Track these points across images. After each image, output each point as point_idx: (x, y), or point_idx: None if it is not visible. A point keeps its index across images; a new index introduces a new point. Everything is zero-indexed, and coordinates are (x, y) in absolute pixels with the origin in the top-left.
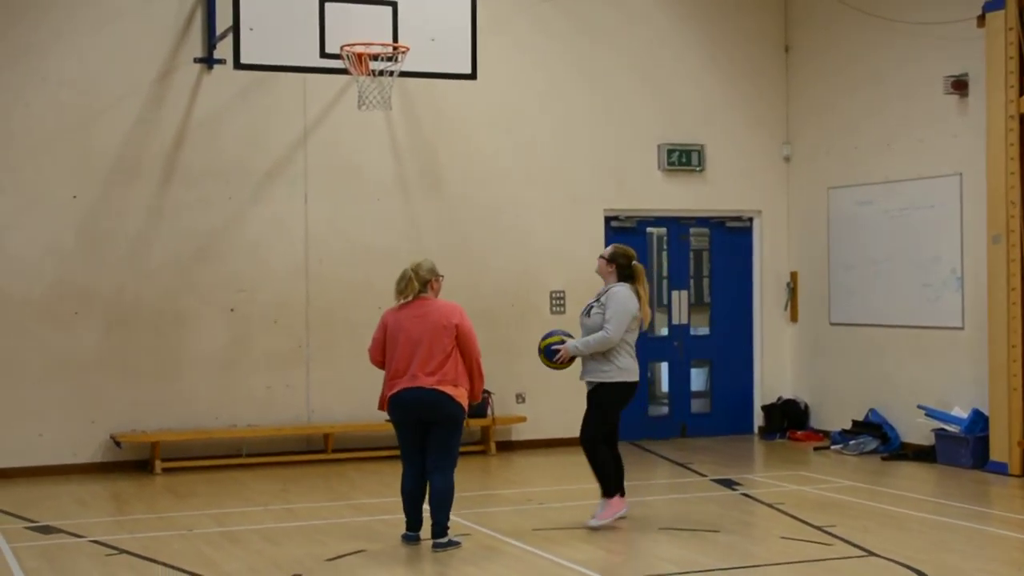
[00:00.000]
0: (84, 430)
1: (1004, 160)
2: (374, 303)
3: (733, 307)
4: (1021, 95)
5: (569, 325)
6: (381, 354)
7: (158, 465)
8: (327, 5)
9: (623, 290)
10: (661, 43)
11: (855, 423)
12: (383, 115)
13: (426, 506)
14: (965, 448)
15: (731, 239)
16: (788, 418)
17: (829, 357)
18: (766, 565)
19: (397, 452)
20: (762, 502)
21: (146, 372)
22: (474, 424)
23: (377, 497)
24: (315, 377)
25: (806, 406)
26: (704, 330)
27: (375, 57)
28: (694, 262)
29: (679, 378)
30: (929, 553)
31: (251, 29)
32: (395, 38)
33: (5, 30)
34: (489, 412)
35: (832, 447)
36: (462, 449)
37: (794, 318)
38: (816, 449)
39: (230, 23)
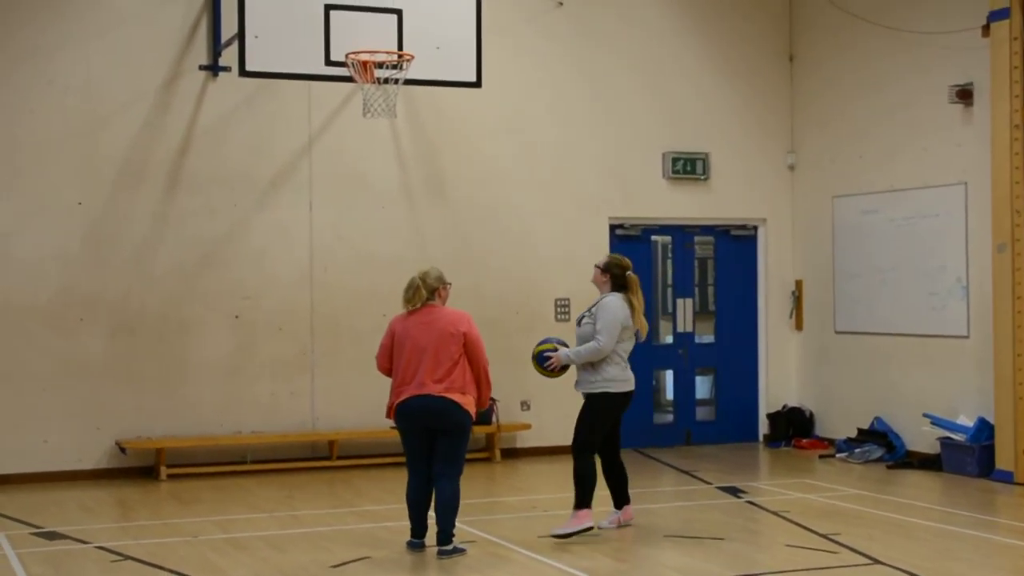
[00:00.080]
0: (89, 436)
1: (1009, 169)
2: (379, 310)
3: (738, 315)
4: None
5: (573, 333)
6: (388, 361)
7: (163, 471)
8: (332, 13)
9: (614, 300)
10: (666, 51)
11: (860, 431)
12: (388, 123)
13: (431, 513)
14: (971, 457)
15: (736, 247)
16: (793, 426)
17: (834, 365)
18: (771, 573)
19: (402, 459)
20: (767, 510)
21: (151, 379)
22: (479, 431)
23: (382, 504)
24: (320, 384)
25: (811, 414)
26: (709, 338)
27: (380, 65)
28: (699, 270)
29: (684, 386)
30: (935, 562)
31: (256, 36)
32: (400, 46)
33: (11, 35)
34: (494, 419)
35: (837, 455)
36: (467, 456)
37: (799, 326)
38: (821, 457)
39: (235, 30)
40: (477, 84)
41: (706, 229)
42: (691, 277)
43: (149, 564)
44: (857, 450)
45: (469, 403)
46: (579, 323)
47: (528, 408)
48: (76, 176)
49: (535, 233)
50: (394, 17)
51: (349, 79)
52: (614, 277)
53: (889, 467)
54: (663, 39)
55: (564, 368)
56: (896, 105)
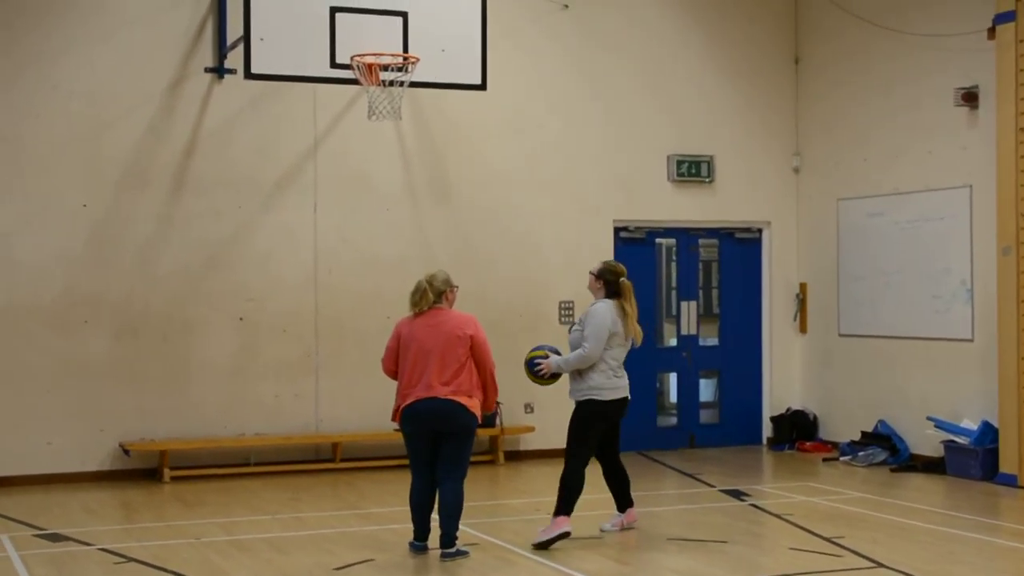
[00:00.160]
0: (93, 438)
1: (1014, 172)
2: (383, 312)
3: (742, 318)
4: None
5: None
6: (394, 363)
7: (167, 473)
8: (338, 15)
9: (602, 307)
10: (670, 54)
11: (864, 434)
12: (393, 125)
13: (434, 516)
14: (975, 460)
15: (740, 250)
16: (797, 429)
17: (838, 368)
18: None
19: (406, 461)
20: (771, 513)
21: (155, 380)
22: (483, 434)
23: (386, 506)
24: (324, 386)
25: (815, 417)
26: (713, 341)
27: (385, 67)
28: (703, 273)
29: (688, 389)
30: (938, 565)
31: (262, 39)
32: (405, 48)
33: (17, 39)
34: (498, 422)
35: (841, 458)
36: (471, 459)
37: (803, 329)
38: (825, 460)
39: (241, 33)
40: (482, 86)
41: (710, 232)
42: (695, 280)
43: (152, 566)
44: (861, 453)
45: (475, 406)
46: (570, 330)
47: (532, 411)
48: (81, 178)
49: (539, 235)
50: (399, 20)
51: (354, 81)
52: (607, 283)
53: (893, 470)
54: (668, 41)
55: (556, 376)
56: (901, 108)
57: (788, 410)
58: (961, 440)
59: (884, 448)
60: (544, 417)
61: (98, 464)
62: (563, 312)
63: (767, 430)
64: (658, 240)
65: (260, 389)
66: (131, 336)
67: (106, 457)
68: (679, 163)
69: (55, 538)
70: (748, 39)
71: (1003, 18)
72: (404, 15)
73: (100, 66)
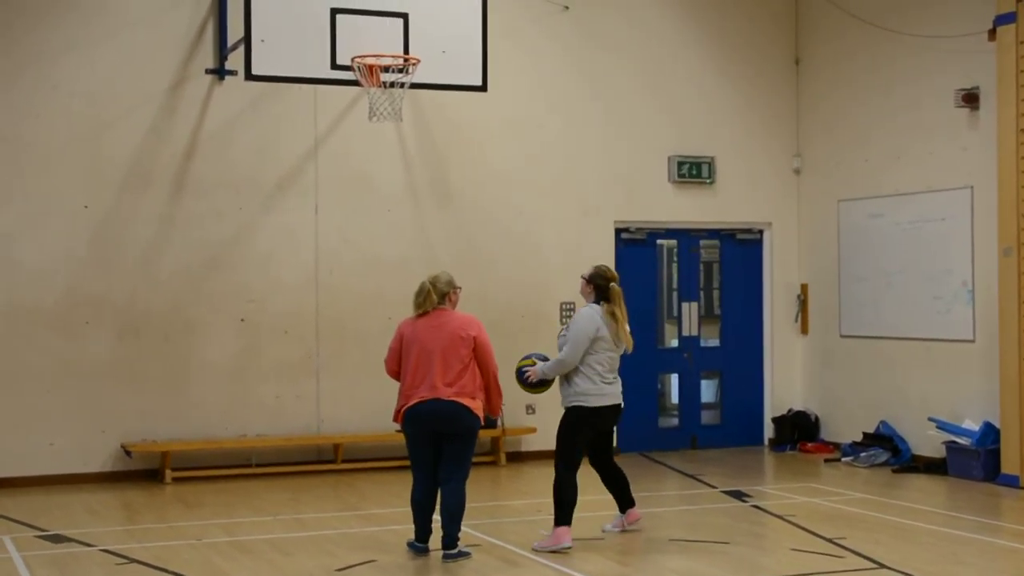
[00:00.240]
0: (94, 439)
1: (1015, 173)
2: (384, 313)
3: (743, 319)
4: None
5: None
6: (397, 364)
7: (168, 474)
8: (338, 17)
9: (586, 312)
10: (671, 55)
11: (866, 435)
12: (394, 126)
13: (435, 517)
14: (976, 461)
15: (741, 251)
16: (799, 430)
17: (839, 369)
18: None
19: (407, 462)
20: (772, 514)
21: (156, 381)
22: (484, 435)
23: (387, 507)
24: (325, 387)
25: (817, 418)
26: (714, 342)
27: (386, 69)
28: (704, 274)
29: (689, 390)
30: (940, 566)
31: (263, 40)
32: (406, 50)
33: (16, 40)
34: (499, 423)
35: (843, 459)
36: (472, 460)
37: (804, 330)
38: (827, 461)
39: (242, 34)
40: (483, 88)
41: (711, 233)
42: (696, 281)
43: (154, 567)
44: (862, 454)
45: (478, 407)
46: (559, 335)
47: (533, 412)
48: (82, 180)
49: (540, 236)
50: (400, 21)
51: (355, 83)
52: (598, 288)
53: (894, 471)
54: (668, 42)
55: (545, 383)
56: (902, 109)
57: (789, 411)
58: (963, 441)
59: (886, 449)
60: (545, 418)
61: (100, 465)
62: (564, 313)
63: (768, 431)
64: (659, 241)
65: (261, 390)
66: (133, 337)
67: (108, 458)
68: (680, 164)
69: (57, 539)
70: (748, 40)
71: (1004, 19)
72: (405, 16)
73: (101, 67)
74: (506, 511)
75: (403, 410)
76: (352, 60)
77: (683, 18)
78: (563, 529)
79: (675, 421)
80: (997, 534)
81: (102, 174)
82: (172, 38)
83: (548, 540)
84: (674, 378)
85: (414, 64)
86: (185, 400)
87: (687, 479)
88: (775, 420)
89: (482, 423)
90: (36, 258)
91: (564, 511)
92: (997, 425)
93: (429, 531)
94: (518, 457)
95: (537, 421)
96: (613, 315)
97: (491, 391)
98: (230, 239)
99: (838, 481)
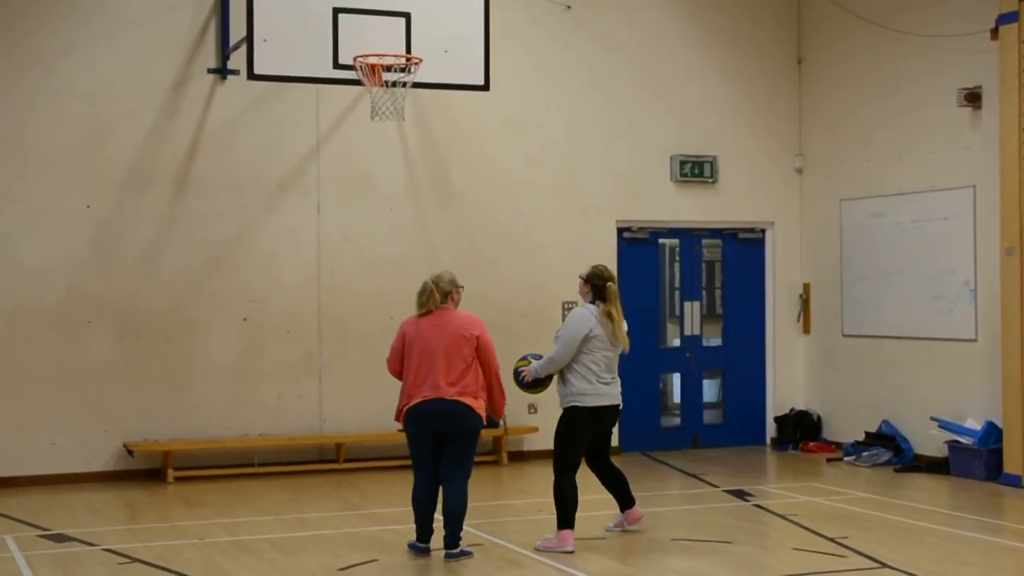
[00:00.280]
0: (97, 439)
1: (1017, 172)
2: (386, 313)
3: (746, 318)
4: None
5: None
6: (399, 363)
7: (170, 474)
8: (341, 16)
9: (578, 312)
10: (674, 54)
11: (868, 435)
12: (396, 126)
13: (438, 516)
14: (978, 460)
15: (744, 250)
16: (801, 429)
17: (842, 369)
18: None
19: (409, 462)
20: (774, 513)
21: (158, 381)
22: (486, 434)
23: (389, 507)
24: (327, 387)
25: (819, 417)
26: (717, 341)
27: (388, 68)
28: (706, 273)
29: (691, 389)
30: (942, 565)
31: (265, 40)
32: (408, 49)
33: (17, 42)
34: (501, 423)
35: (845, 459)
36: (474, 460)
37: (807, 330)
38: (829, 461)
39: (244, 34)
40: (485, 87)
41: (714, 232)
42: (698, 280)
43: (156, 567)
44: (865, 453)
45: (481, 407)
46: (555, 334)
47: (535, 411)
48: (84, 180)
49: (542, 236)
50: (402, 20)
51: (357, 82)
52: (595, 288)
53: (897, 471)
54: (671, 42)
55: (541, 382)
56: (904, 108)
57: (792, 410)
58: (965, 440)
59: (888, 448)
60: (547, 418)
61: (102, 465)
62: (566, 313)
63: (771, 430)
64: (661, 240)
65: (263, 390)
66: (134, 337)
67: (110, 458)
68: (682, 163)
69: (59, 538)
70: (750, 39)
71: (1006, 19)
72: (407, 16)
73: (102, 67)
74: (508, 511)
75: (405, 409)
76: (354, 59)
77: (685, 17)
78: (567, 532)
79: (677, 420)
80: (999, 534)
81: (104, 174)
82: (174, 38)
83: (551, 541)
84: (676, 377)
85: (416, 63)
86: (187, 400)
87: (689, 479)
88: (777, 419)
89: (484, 423)
90: (38, 258)
91: (566, 513)
92: (999, 424)
93: (430, 531)
94: (520, 456)
95: (539, 420)
96: (609, 315)
97: (493, 390)
98: (232, 239)
99: (840, 480)
